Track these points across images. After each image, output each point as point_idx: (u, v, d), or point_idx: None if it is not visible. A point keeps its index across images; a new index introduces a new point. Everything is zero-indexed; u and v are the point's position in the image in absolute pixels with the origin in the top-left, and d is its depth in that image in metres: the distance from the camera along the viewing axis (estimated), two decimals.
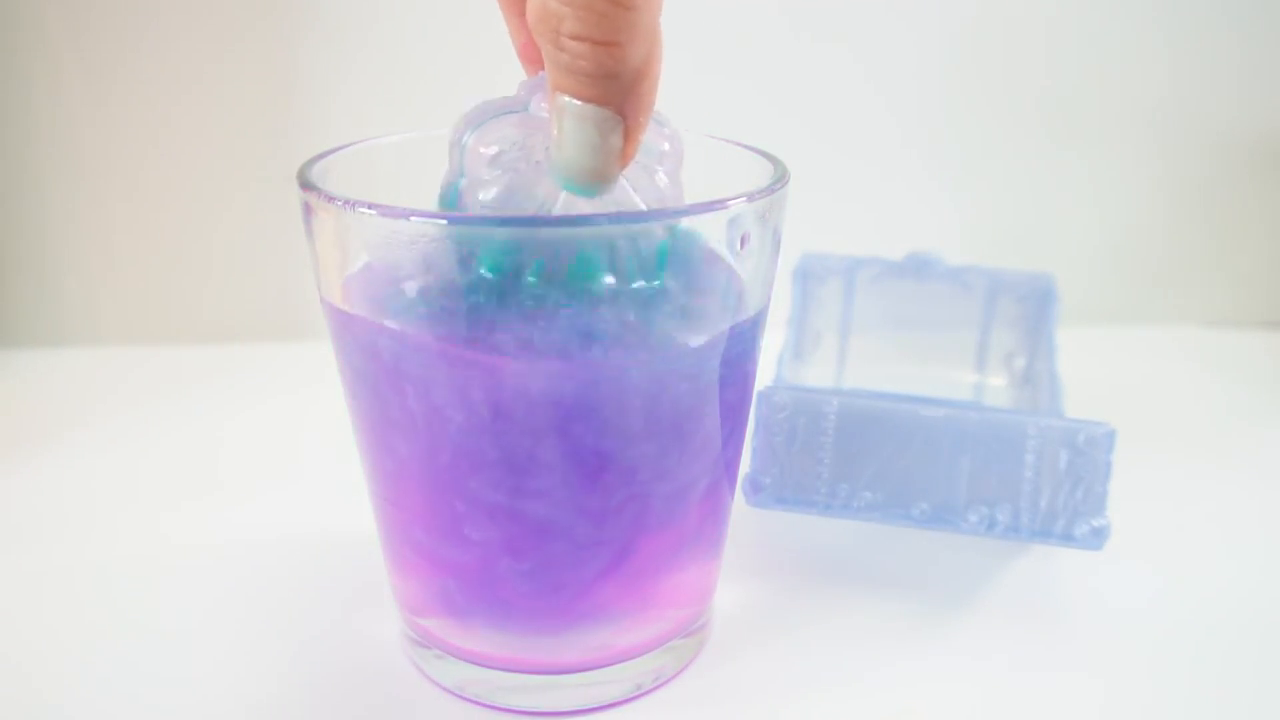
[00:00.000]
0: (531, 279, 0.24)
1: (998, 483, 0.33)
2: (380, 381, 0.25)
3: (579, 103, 0.22)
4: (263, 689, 0.29)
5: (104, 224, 0.52)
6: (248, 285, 0.54)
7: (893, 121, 0.54)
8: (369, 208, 0.23)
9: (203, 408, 0.47)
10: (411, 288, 0.24)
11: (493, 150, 0.25)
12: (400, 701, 0.29)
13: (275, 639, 0.31)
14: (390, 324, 0.25)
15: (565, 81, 0.22)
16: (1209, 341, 0.56)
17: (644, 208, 0.26)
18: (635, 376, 0.24)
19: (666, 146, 0.26)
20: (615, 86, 0.22)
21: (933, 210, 0.56)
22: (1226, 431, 0.46)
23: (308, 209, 0.25)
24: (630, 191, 0.26)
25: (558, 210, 0.25)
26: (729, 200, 0.25)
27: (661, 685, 0.30)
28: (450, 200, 0.26)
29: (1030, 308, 0.44)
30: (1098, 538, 0.32)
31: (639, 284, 0.24)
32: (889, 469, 0.34)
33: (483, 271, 0.24)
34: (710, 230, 0.25)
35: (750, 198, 0.25)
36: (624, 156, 0.23)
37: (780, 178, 0.27)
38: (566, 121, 0.23)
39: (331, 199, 0.24)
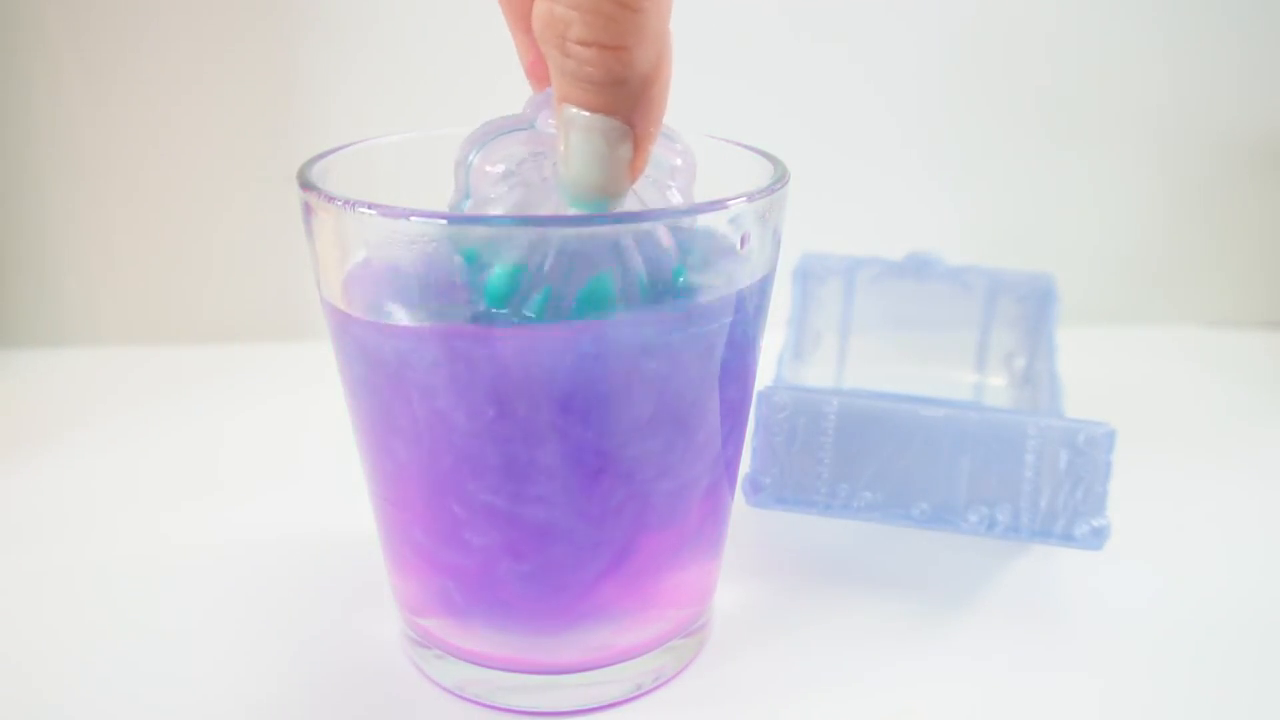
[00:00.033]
0: (531, 314, 0.23)
1: (998, 483, 0.33)
2: (380, 382, 0.25)
3: (586, 114, 0.22)
4: (263, 689, 0.29)
5: (104, 224, 0.52)
6: (248, 285, 0.54)
7: (893, 122, 0.54)
8: (369, 208, 0.23)
9: (203, 408, 0.47)
10: (411, 288, 0.24)
11: (499, 169, 0.25)
12: (400, 701, 0.29)
13: (275, 639, 0.31)
14: (390, 324, 0.25)
15: (572, 91, 0.22)
16: (1209, 341, 0.56)
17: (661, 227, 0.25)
18: (637, 371, 0.24)
19: (679, 162, 0.26)
20: (623, 93, 0.22)
21: (933, 210, 0.56)
22: (1226, 431, 0.46)
23: (308, 209, 0.25)
24: (639, 207, 0.25)
25: None
26: (729, 200, 0.25)
27: (661, 685, 0.30)
28: None
29: (1030, 308, 0.44)
30: (1098, 538, 0.32)
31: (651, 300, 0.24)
32: (889, 469, 0.34)
33: (489, 304, 0.23)
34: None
35: (750, 198, 0.25)
36: (633, 168, 0.23)
37: (780, 178, 0.27)
38: (574, 134, 0.22)
39: (331, 199, 0.24)
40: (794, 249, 0.43)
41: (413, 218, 0.23)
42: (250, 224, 0.53)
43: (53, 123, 0.50)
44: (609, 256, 0.24)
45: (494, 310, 0.24)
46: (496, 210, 0.25)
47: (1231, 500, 0.40)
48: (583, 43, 0.21)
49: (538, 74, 0.27)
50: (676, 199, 0.26)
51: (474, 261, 0.24)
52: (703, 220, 0.26)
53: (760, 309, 0.28)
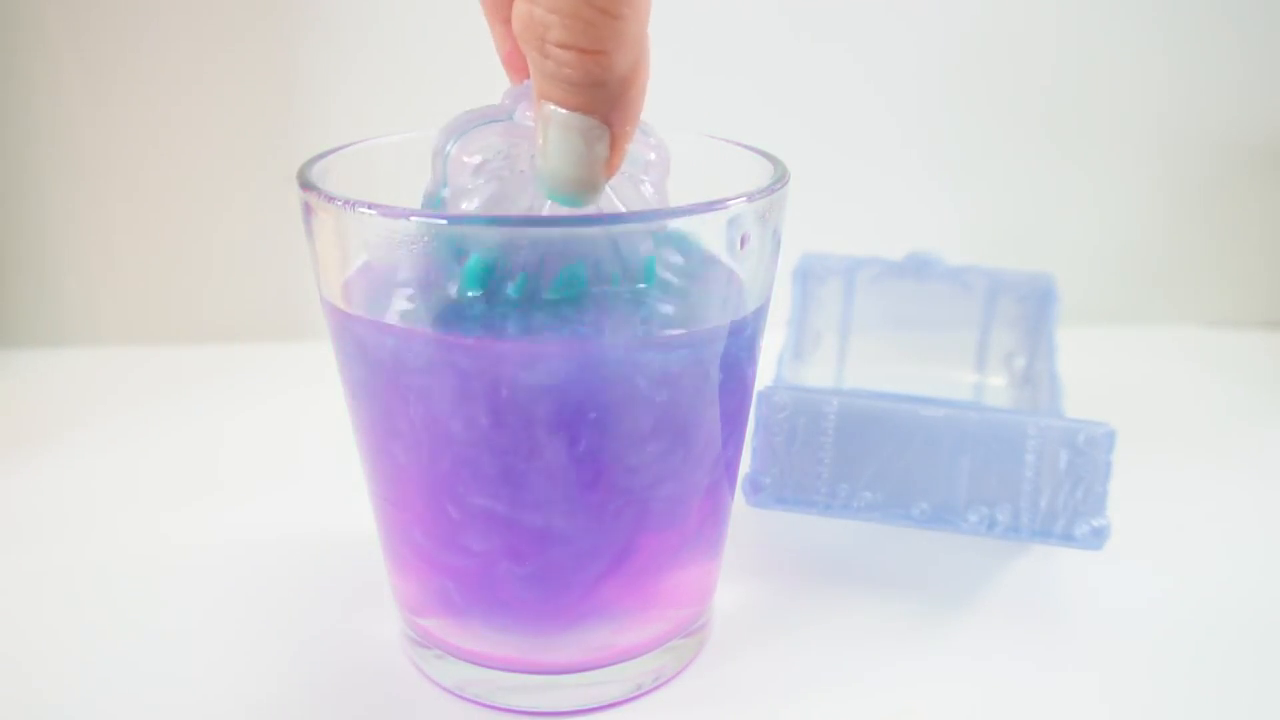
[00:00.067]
0: (513, 293, 0.24)
1: (998, 483, 0.33)
2: (379, 385, 0.25)
3: (565, 111, 0.22)
4: (263, 689, 0.29)
5: (104, 224, 0.52)
6: (248, 285, 0.54)
7: (893, 122, 0.54)
8: (369, 208, 0.23)
9: (203, 408, 0.47)
10: (411, 288, 0.24)
11: (476, 159, 0.25)
12: (400, 701, 0.29)
13: (275, 639, 0.31)
14: (390, 324, 0.25)
15: (551, 90, 0.22)
16: (1209, 341, 0.56)
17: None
18: (636, 375, 0.24)
19: (652, 156, 0.26)
20: (602, 95, 0.22)
21: (933, 210, 0.56)
22: (1226, 431, 0.46)
23: (308, 209, 0.25)
24: (615, 202, 0.25)
25: None
26: (729, 200, 0.25)
27: (661, 685, 0.30)
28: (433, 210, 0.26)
29: (1030, 308, 0.44)
30: (1098, 538, 0.32)
31: (625, 289, 0.24)
32: (889, 469, 0.34)
33: (466, 289, 0.24)
34: (710, 230, 0.25)
35: (750, 198, 0.25)
36: (609, 166, 0.23)
37: (780, 178, 0.27)
38: (552, 130, 0.22)
39: (331, 199, 0.24)
40: (794, 249, 0.43)
41: (413, 218, 0.23)
42: (250, 224, 0.53)
43: (53, 123, 0.50)
44: (583, 246, 0.24)
45: (471, 294, 0.24)
46: (473, 201, 0.25)
47: (1231, 500, 0.40)
48: (562, 45, 0.21)
49: (514, 65, 0.28)
50: (649, 192, 0.26)
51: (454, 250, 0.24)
52: (684, 223, 0.26)
53: (761, 312, 0.28)
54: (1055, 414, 0.36)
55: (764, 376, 0.32)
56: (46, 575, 0.35)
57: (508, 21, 0.23)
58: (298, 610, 0.33)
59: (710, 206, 0.24)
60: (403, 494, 0.27)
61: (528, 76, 0.24)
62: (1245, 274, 0.58)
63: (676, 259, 0.25)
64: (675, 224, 0.25)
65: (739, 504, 0.32)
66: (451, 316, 0.24)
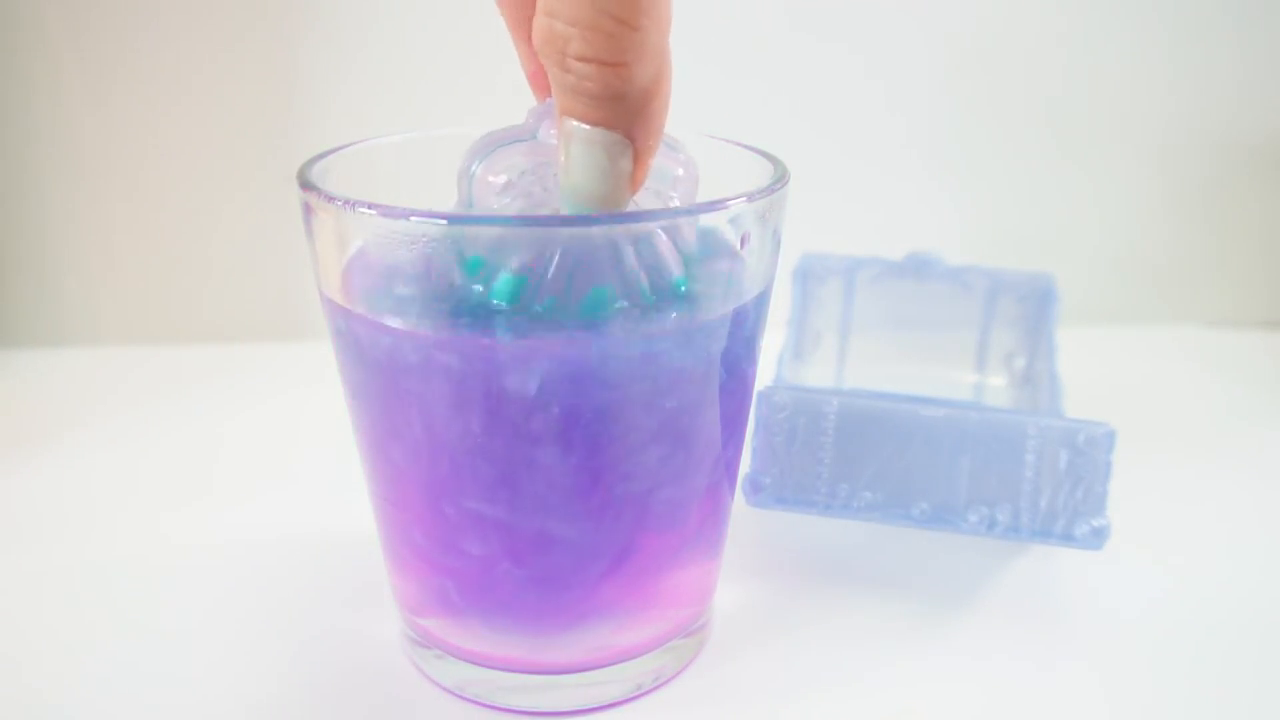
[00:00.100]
0: (540, 309, 0.24)
1: (998, 483, 0.33)
2: (379, 385, 0.25)
3: (587, 127, 0.22)
4: (263, 689, 0.29)
5: (104, 224, 0.52)
6: (248, 285, 0.54)
7: (893, 121, 0.54)
8: (369, 208, 0.23)
9: (203, 408, 0.47)
10: (411, 288, 0.24)
11: (502, 179, 0.25)
12: (400, 701, 0.29)
13: (275, 639, 0.31)
14: (389, 328, 0.25)
15: (572, 104, 0.22)
16: (1209, 341, 0.56)
17: (662, 236, 0.25)
18: (635, 375, 0.24)
19: (680, 172, 0.26)
20: (623, 108, 0.22)
21: (933, 210, 0.56)
22: (1226, 431, 0.46)
23: (308, 209, 0.25)
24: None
25: None
26: (729, 200, 0.25)
27: (661, 685, 0.30)
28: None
29: (1030, 308, 0.44)
30: (1098, 538, 0.32)
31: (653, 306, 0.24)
32: (889, 469, 0.34)
33: (493, 302, 0.24)
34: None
35: (750, 198, 0.25)
36: (634, 181, 0.23)
37: (780, 178, 0.27)
38: (574, 146, 0.22)
39: (331, 199, 0.24)
40: (794, 249, 0.43)
41: (412, 218, 0.23)
42: (250, 224, 0.53)
43: (53, 123, 0.50)
44: (610, 266, 0.24)
45: (504, 305, 0.24)
46: None
47: (1231, 500, 0.40)
48: (582, 59, 0.21)
49: (540, 83, 0.27)
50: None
51: (476, 271, 0.24)
52: (703, 224, 0.26)
53: (761, 313, 0.28)
54: (1055, 414, 0.36)
55: (764, 376, 0.32)
56: (46, 575, 0.35)
57: (531, 39, 0.23)
58: (298, 610, 0.33)
59: (710, 206, 0.24)
60: (402, 494, 0.27)
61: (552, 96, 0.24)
62: (1245, 274, 0.58)
63: (703, 272, 0.25)
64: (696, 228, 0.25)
65: (739, 504, 0.32)
66: (449, 318, 0.24)
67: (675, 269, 0.24)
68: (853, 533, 0.37)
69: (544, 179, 0.25)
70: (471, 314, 0.24)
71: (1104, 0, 0.53)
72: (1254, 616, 0.33)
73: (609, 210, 0.23)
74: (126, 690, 0.29)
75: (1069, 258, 0.56)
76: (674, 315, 0.25)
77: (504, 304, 0.24)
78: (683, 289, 0.25)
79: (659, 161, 0.25)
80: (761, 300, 0.27)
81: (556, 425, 0.24)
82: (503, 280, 0.23)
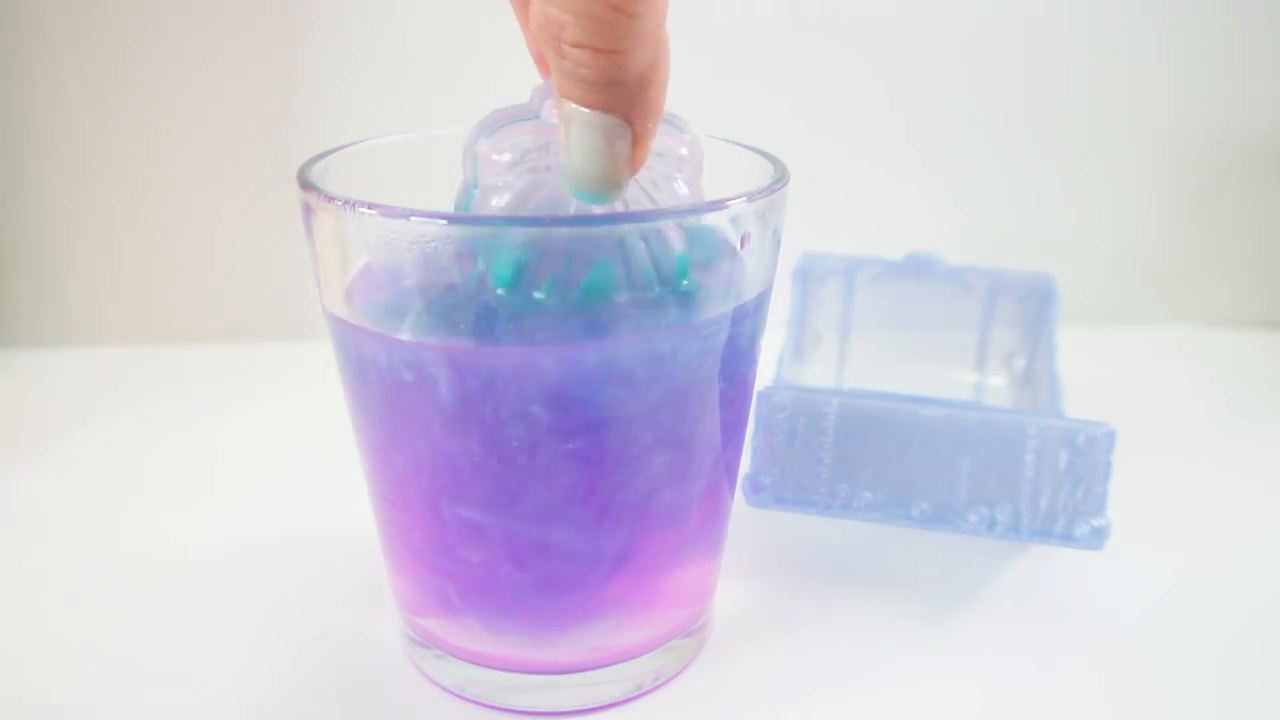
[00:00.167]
0: (541, 294, 0.24)
1: (998, 483, 0.33)
2: (378, 384, 0.25)
3: (585, 110, 0.22)
4: (263, 689, 0.29)
5: (104, 224, 0.52)
6: (248, 285, 0.54)
7: (893, 121, 0.54)
8: (369, 208, 0.23)
9: (203, 408, 0.47)
10: (412, 289, 0.24)
11: (506, 157, 0.25)
12: (400, 701, 0.29)
13: (275, 639, 0.31)
14: (389, 325, 0.25)
15: (570, 89, 0.22)
16: (1209, 341, 0.56)
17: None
18: (635, 379, 0.24)
19: (684, 151, 0.26)
20: (620, 93, 0.22)
21: (933, 210, 0.56)
22: (1226, 431, 0.46)
23: (308, 209, 0.25)
24: (648, 200, 0.25)
25: None
26: (729, 200, 0.25)
27: (661, 685, 0.30)
28: (465, 210, 0.26)
29: (1030, 308, 0.44)
30: (1098, 538, 0.32)
31: (656, 293, 0.24)
32: (889, 469, 0.34)
33: (494, 286, 0.24)
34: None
35: (750, 198, 0.25)
36: (632, 163, 0.23)
37: (780, 178, 0.27)
38: (573, 129, 0.22)
39: (331, 199, 0.24)
40: (794, 249, 0.43)
41: (413, 218, 0.23)
42: (250, 224, 0.53)
43: (53, 123, 0.50)
44: (611, 245, 0.24)
45: (501, 292, 0.24)
46: (503, 197, 0.25)
47: (1232, 500, 0.40)
48: (577, 45, 0.21)
49: (545, 64, 0.28)
50: (682, 189, 0.26)
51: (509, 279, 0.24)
52: (705, 223, 0.26)
53: (761, 313, 0.28)
54: (1055, 414, 0.36)
55: (764, 376, 0.32)
56: (46, 575, 0.35)
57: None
58: (298, 610, 0.33)
59: (710, 206, 0.24)
60: (402, 494, 0.27)
61: None
62: (1245, 274, 0.58)
63: (707, 256, 0.25)
64: (690, 221, 0.25)
65: (739, 504, 0.32)
66: (448, 320, 0.24)
67: (678, 247, 0.24)
68: (853, 533, 0.37)
69: (545, 158, 0.25)
70: (471, 318, 0.24)
71: (1104, 1, 0.53)
72: (1254, 616, 0.33)
73: (607, 190, 0.23)
74: (126, 690, 0.29)
75: (1069, 258, 0.56)
76: (674, 312, 0.25)
77: (504, 287, 0.24)
78: (685, 266, 0.25)
79: (663, 141, 0.25)
80: (761, 300, 0.27)
81: (557, 430, 0.24)
82: (500, 260, 0.23)
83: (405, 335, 0.24)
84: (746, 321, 0.27)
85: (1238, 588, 0.34)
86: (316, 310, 0.28)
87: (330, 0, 0.50)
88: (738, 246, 0.26)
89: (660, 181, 0.26)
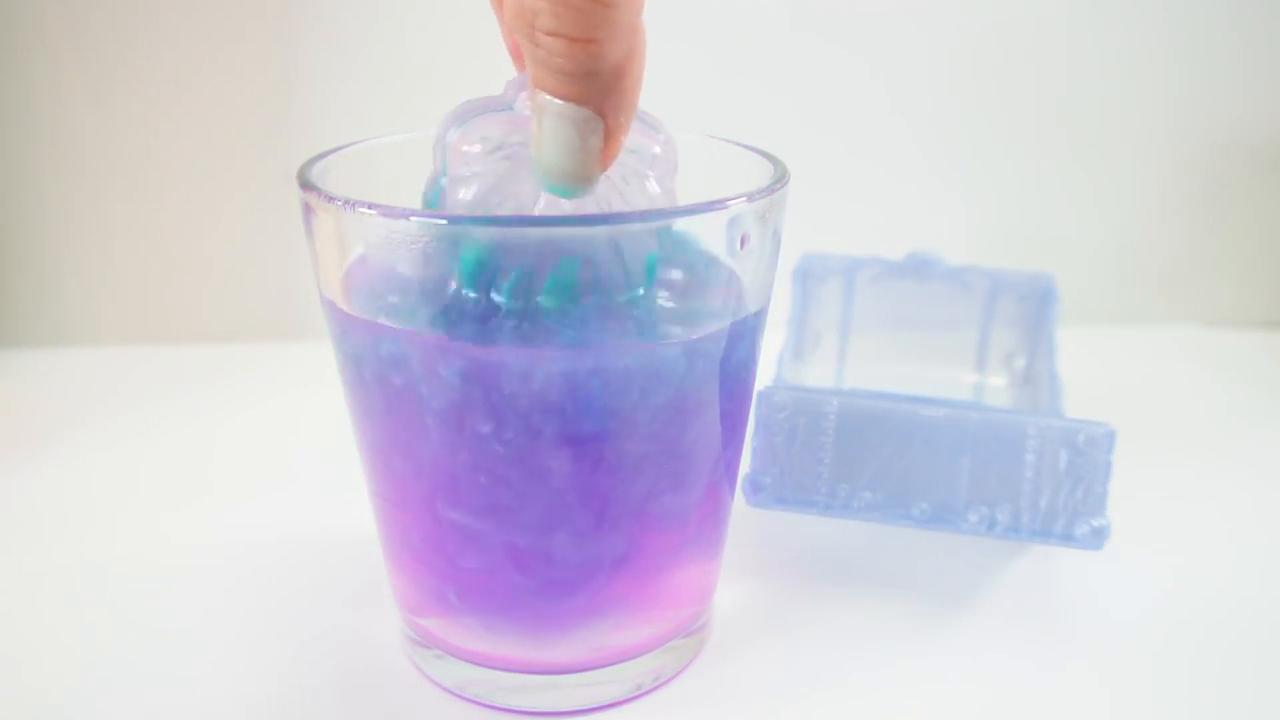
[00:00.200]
0: (501, 297, 0.24)
1: (998, 483, 0.33)
2: (377, 385, 0.25)
3: (559, 102, 0.22)
4: (263, 689, 0.29)
5: (104, 224, 0.52)
6: (248, 285, 0.54)
7: (893, 121, 0.54)
8: (369, 208, 0.23)
9: (203, 408, 0.47)
10: (411, 288, 0.24)
11: (475, 148, 0.25)
12: (400, 701, 0.29)
13: (275, 639, 0.31)
14: (388, 329, 0.25)
15: (544, 79, 0.22)
16: (1209, 341, 0.56)
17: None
18: (636, 380, 0.24)
19: (658, 150, 0.26)
20: (594, 85, 0.22)
21: (933, 210, 0.56)
22: (1226, 431, 0.46)
23: (307, 209, 0.25)
24: (617, 196, 0.25)
25: (538, 211, 0.25)
26: (729, 200, 0.24)
27: (661, 685, 0.30)
28: (433, 199, 0.26)
29: (1030, 308, 0.44)
30: (1098, 538, 0.32)
31: (624, 296, 0.24)
32: (889, 469, 0.34)
33: (460, 287, 0.24)
34: (710, 230, 0.25)
35: (750, 198, 0.25)
36: (604, 158, 0.23)
37: (780, 178, 0.27)
38: (546, 121, 0.22)
39: (331, 199, 0.24)
40: (794, 249, 0.43)
41: (412, 218, 0.23)
42: (250, 224, 0.53)
43: (53, 123, 0.50)
44: (578, 244, 0.24)
45: (466, 291, 0.24)
46: (471, 187, 0.25)
47: (1232, 500, 0.40)
48: (552, 34, 0.21)
49: (519, 55, 0.27)
50: (654, 188, 0.26)
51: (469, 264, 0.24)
52: (688, 233, 0.26)
53: (761, 313, 0.28)
54: (1055, 414, 0.36)
55: (764, 376, 0.32)
56: (46, 575, 0.35)
57: None
58: (298, 610, 0.33)
59: (710, 206, 0.24)
60: (402, 495, 0.27)
61: None
62: (1245, 274, 0.58)
63: (679, 259, 0.25)
64: (676, 224, 0.25)
65: (739, 504, 0.32)
66: (447, 322, 0.24)
67: (647, 245, 0.24)
68: (853, 533, 0.37)
69: (515, 150, 0.25)
70: (472, 322, 0.24)
71: (1104, 1, 0.53)
72: (1254, 616, 0.33)
73: (578, 184, 0.23)
74: (126, 690, 0.29)
75: (1069, 258, 0.56)
76: (672, 316, 0.25)
77: (471, 282, 0.23)
78: (655, 267, 0.25)
79: (637, 139, 0.25)
80: (762, 298, 0.27)
81: (557, 432, 0.24)
82: (466, 254, 0.23)
83: (403, 329, 0.24)
84: (746, 323, 0.27)
85: (1238, 588, 0.34)
86: (316, 310, 0.28)
87: (330, 0, 0.50)
88: (726, 251, 0.26)
89: (631, 178, 0.26)
